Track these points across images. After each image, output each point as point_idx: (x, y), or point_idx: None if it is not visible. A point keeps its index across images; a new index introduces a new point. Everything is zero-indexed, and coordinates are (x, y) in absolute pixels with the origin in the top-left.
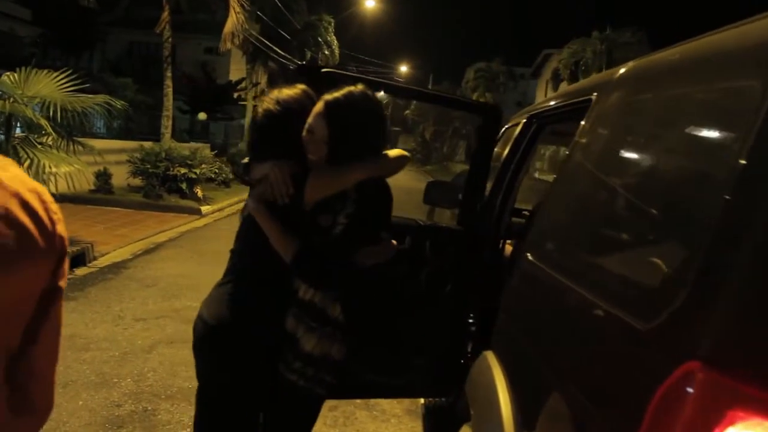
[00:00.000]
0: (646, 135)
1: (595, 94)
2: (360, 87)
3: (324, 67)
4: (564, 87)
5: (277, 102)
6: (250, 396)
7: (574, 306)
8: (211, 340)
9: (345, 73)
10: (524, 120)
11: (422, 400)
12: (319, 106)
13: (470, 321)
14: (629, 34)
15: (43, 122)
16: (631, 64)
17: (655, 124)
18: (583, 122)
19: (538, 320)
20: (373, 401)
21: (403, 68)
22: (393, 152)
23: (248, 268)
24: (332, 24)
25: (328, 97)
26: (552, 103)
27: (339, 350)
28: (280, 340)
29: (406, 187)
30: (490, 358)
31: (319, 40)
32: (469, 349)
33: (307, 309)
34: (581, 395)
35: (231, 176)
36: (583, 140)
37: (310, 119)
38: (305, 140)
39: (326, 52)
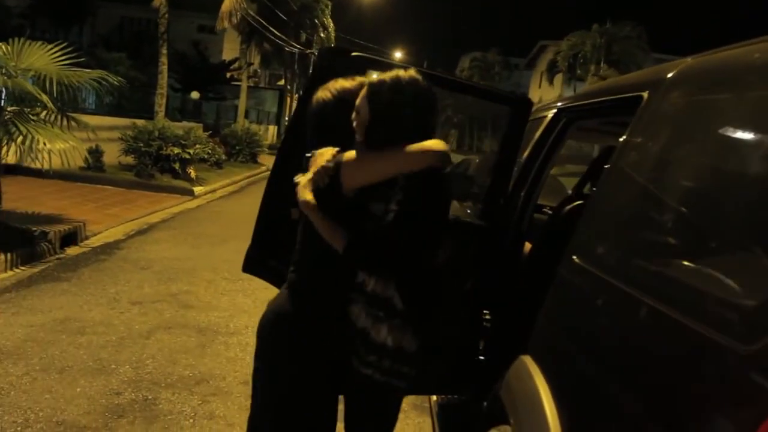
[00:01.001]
0: (727, 135)
1: (647, 91)
2: (410, 72)
3: (352, 51)
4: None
5: (333, 92)
6: (314, 385)
7: (644, 320)
8: (273, 329)
9: (374, 57)
10: (552, 114)
11: (434, 397)
12: (365, 88)
13: (486, 318)
14: (629, 28)
15: (45, 98)
16: (689, 62)
17: (737, 125)
18: (635, 120)
19: (592, 332)
20: None
21: (398, 54)
22: (428, 143)
23: (306, 258)
24: (329, 7)
25: (373, 79)
26: (586, 98)
27: (411, 341)
28: (343, 330)
29: None
30: (530, 364)
31: (316, 22)
32: (482, 347)
33: (373, 300)
34: (649, 417)
35: (224, 157)
36: (638, 139)
37: (357, 101)
38: (353, 123)
39: (322, 35)
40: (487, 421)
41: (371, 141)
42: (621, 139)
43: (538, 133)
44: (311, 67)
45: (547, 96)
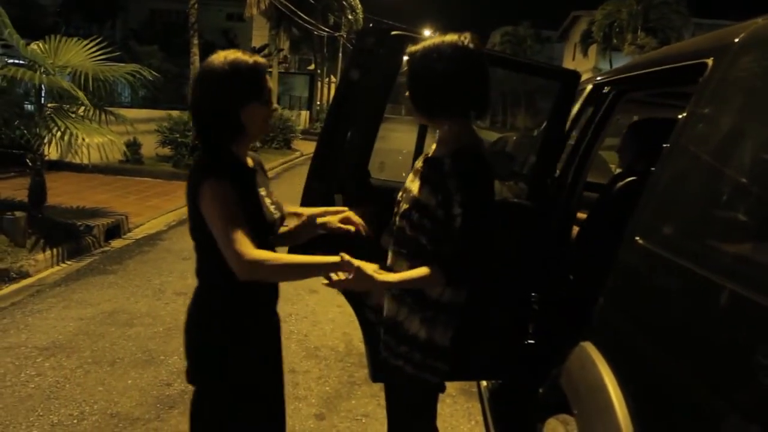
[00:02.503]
0: None
1: (711, 58)
2: (450, 38)
3: (392, 30)
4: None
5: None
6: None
7: (718, 304)
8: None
9: (414, 35)
10: (599, 87)
11: (484, 382)
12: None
13: (533, 301)
14: None
15: (80, 94)
16: (761, 23)
17: None
18: (698, 90)
19: (661, 317)
20: None
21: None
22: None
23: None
24: None
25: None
26: (637, 69)
27: (443, 335)
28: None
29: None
30: (593, 351)
31: (344, 4)
32: (532, 330)
33: (407, 290)
34: (728, 409)
35: (258, 144)
36: (705, 110)
37: None
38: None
39: (350, 17)
40: (543, 410)
41: (416, 108)
42: (684, 112)
43: (586, 108)
44: (352, 49)
45: (582, 68)
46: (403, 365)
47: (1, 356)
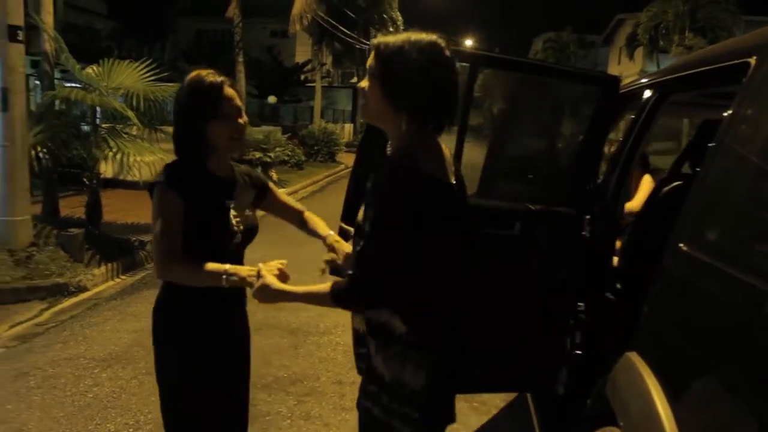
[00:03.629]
0: None
1: (754, 57)
2: (428, 36)
3: None
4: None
5: None
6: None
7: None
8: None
9: (457, 48)
10: (641, 90)
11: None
12: None
13: (581, 310)
14: None
15: (130, 114)
16: None
17: None
18: (741, 90)
19: (707, 326)
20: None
21: (468, 42)
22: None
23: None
24: (396, 0)
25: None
26: (679, 70)
27: (415, 376)
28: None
29: (473, 163)
30: (638, 362)
31: (384, 17)
32: (578, 340)
33: (369, 324)
34: None
35: (303, 158)
36: (749, 111)
37: None
38: None
39: (391, 29)
40: (591, 422)
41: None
42: (727, 113)
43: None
44: None
45: (628, 72)
46: (371, 407)
47: (61, 367)
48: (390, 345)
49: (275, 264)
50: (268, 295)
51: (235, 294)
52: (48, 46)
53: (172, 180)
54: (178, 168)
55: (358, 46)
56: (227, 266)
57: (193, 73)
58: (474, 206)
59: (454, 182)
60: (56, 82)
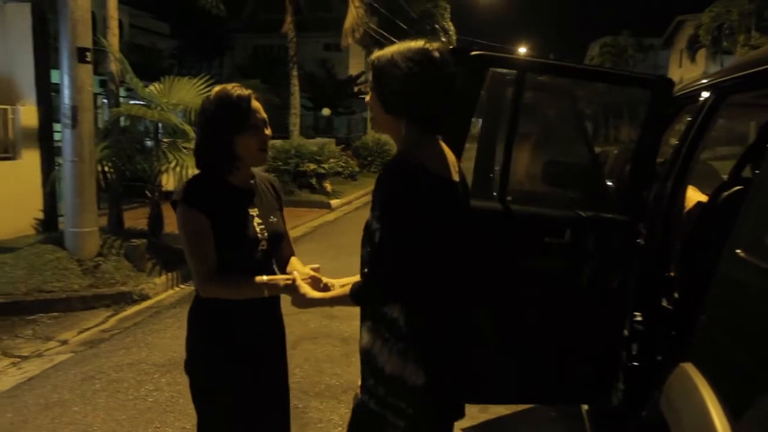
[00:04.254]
0: None
1: None
2: (416, 43)
3: (471, 51)
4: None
5: None
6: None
7: None
8: None
9: (495, 54)
10: (698, 91)
11: (584, 405)
12: None
13: (638, 320)
14: None
15: (187, 128)
16: None
17: None
18: None
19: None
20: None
21: (522, 49)
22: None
23: None
24: (448, 10)
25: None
26: (738, 70)
27: (414, 373)
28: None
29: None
30: (693, 373)
31: (436, 27)
32: (635, 352)
33: (379, 318)
34: None
35: (357, 169)
36: None
37: None
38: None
39: (443, 39)
40: None
41: (377, 104)
42: None
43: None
44: None
45: (689, 75)
46: (368, 400)
47: (124, 371)
48: (394, 341)
49: (307, 271)
50: (300, 302)
51: (267, 300)
52: (113, 66)
53: (191, 197)
54: (197, 182)
55: None
56: (265, 278)
57: (218, 87)
58: (521, 214)
59: (458, 181)
60: (122, 100)
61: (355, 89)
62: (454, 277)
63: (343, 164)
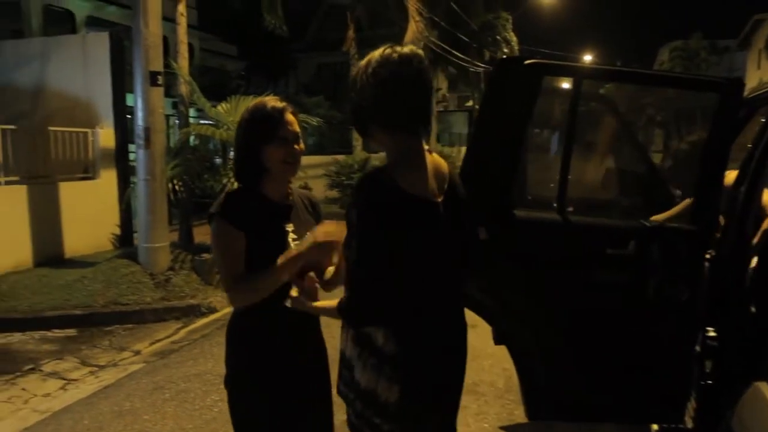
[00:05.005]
0: None
1: None
2: (403, 49)
3: (526, 59)
4: None
5: None
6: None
7: None
8: None
9: (551, 62)
10: None
11: (654, 426)
12: None
13: (711, 336)
14: None
15: None
16: None
17: None
18: None
19: None
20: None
21: (587, 57)
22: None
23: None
24: (510, 21)
25: None
26: None
27: (388, 389)
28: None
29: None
30: (767, 392)
31: (498, 38)
32: (708, 369)
33: (356, 333)
34: None
35: None
36: None
37: None
38: None
39: (505, 50)
40: None
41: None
42: None
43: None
44: (488, 81)
45: None
46: (351, 413)
47: (192, 382)
48: (368, 355)
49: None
50: (298, 304)
51: (305, 317)
52: (183, 88)
53: (227, 211)
54: (235, 196)
55: (472, 69)
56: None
57: (257, 99)
58: (582, 225)
59: (440, 198)
60: (192, 120)
61: None
62: (433, 297)
63: None
